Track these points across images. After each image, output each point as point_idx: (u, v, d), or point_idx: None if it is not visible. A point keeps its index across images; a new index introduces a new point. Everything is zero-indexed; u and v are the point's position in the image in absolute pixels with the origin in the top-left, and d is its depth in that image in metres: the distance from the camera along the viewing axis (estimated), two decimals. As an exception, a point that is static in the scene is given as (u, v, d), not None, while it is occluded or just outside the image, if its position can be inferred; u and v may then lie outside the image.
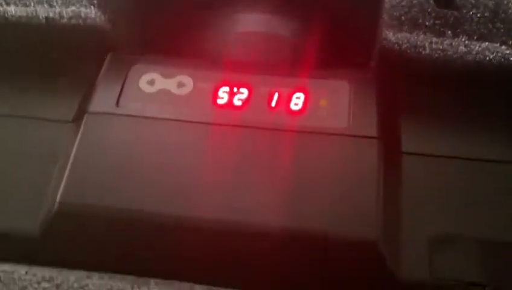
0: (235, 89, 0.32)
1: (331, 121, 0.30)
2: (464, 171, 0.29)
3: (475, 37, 0.31)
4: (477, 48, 0.30)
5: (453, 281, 0.26)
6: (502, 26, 0.31)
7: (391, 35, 0.31)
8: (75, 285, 0.26)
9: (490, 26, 0.31)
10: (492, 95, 0.31)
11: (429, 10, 0.32)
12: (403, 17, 0.32)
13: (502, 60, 0.30)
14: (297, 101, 0.31)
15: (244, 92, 0.31)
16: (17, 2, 0.34)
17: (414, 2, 0.32)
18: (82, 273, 0.27)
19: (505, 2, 0.31)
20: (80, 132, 0.30)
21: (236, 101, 0.31)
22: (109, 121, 0.31)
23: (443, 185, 0.29)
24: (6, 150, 0.31)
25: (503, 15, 0.31)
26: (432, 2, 0.32)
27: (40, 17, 0.34)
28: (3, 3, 0.34)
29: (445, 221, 0.28)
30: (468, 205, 0.28)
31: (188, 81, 0.32)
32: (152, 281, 0.27)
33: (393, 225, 0.28)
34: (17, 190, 0.30)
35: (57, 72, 0.34)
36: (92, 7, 0.34)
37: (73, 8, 0.34)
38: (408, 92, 0.32)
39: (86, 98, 0.32)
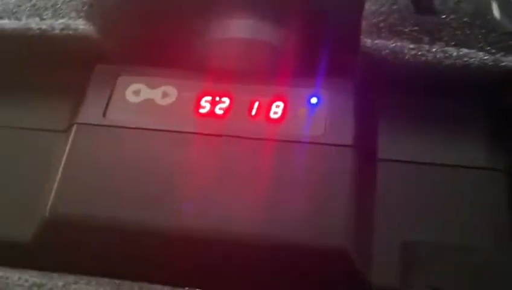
0: (217, 98, 0.33)
1: (308, 130, 0.31)
2: (440, 178, 0.30)
3: (452, 43, 0.31)
4: (454, 54, 0.31)
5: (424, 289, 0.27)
6: (479, 31, 0.31)
7: (369, 42, 0.32)
8: (63, 290, 0.28)
9: (468, 32, 0.31)
10: (470, 100, 0.31)
11: (408, 17, 0.32)
12: (381, 24, 0.32)
13: (480, 65, 0.30)
14: (276, 110, 0.32)
15: (226, 101, 0.32)
16: (10, 16, 0.36)
17: (393, 8, 0.32)
18: (70, 279, 0.29)
19: (484, 7, 0.31)
20: (69, 143, 0.32)
21: (218, 110, 0.32)
22: (96, 131, 0.32)
23: (419, 192, 0.30)
24: None
25: (481, 20, 0.31)
26: (411, 8, 0.32)
27: (32, 30, 0.35)
28: (-2, 18, 0.36)
29: (419, 228, 0.29)
30: (443, 212, 0.29)
31: (172, 91, 0.33)
32: (136, 286, 0.28)
33: (366, 232, 0.28)
34: (11, 198, 0.32)
35: (49, 83, 0.36)
36: (80, 19, 0.35)
37: (62, 20, 0.35)
38: (388, 98, 0.32)
39: (75, 109, 0.34)
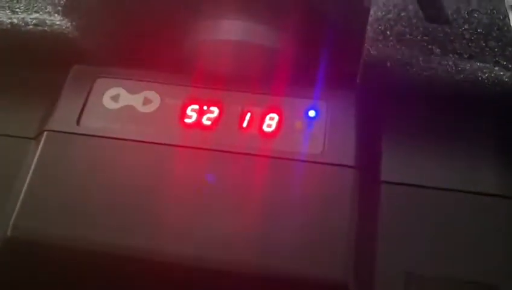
0: (205, 107, 0.29)
1: (305, 146, 0.28)
2: (447, 204, 0.27)
3: (466, 56, 0.28)
4: (468, 67, 0.28)
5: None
6: (495, 44, 0.28)
7: (374, 51, 0.29)
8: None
9: (483, 44, 0.28)
10: (483, 120, 0.29)
11: (417, 25, 0.29)
12: (388, 32, 0.29)
13: (495, 81, 0.28)
14: (270, 122, 0.29)
15: (214, 111, 0.29)
16: None
17: (402, 14, 0.29)
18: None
19: (501, 18, 0.29)
20: (38, 152, 0.28)
21: (205, 121, 0.29)
22: (69, 141, 0.29)
23: (424, 218, 0.27)
24: None
25: (497, 32, 0.28)
26: (420, 16, 0.29)
27: (2, 24, 0.32)
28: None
29: (423, 258, 0.26)
30: (448, 241, 0.26)
31: (155, 98, 0.30)
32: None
33: (366, 262, 0.25)
34: None
35: (19, 84, 0.32)
36: (57, 14, 0.32)
37: (36, 15, 0.32)
38: (392, 113, 0.29)
39: (48, 114, 0.30)
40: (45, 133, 0.29)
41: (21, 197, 0.27)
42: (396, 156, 0.28)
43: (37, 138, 0.30)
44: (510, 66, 0.27)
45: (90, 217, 0.27)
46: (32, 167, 0.28)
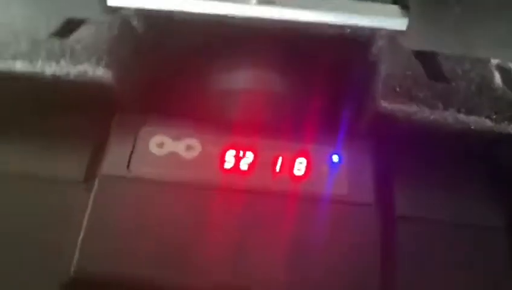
0: (241, 154, 0.33)
1: (331, 188, 0.32)
2: (450, 235, 0.32)
3: (463, 110, 0.33)
4: (464, 120, 0.33)
5: None
6: (486, 100, 0.33)
7: (386, 104, 0.34)
8: None
9: (476, 100, 0.33)
10: (477, 162, 0.34)
11: (422, 81, 0.34)
12: (397, 88, 0.34)
13: (485, 132, 0.33)
14: (300, 166, 0.33)
15: (250, 157, 0.33)
16: (24, 59, 0.35)
17: (407, 73, 0.34)
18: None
19: (489, 76, 0.34)
20: (92, 195, 0.31)
21: (243, 166, 0.33)
22: (121, 184, 0.32)
23: (432, 246, 0.32)
24: (17, 210, 0.32)
25: (487, 89, 0.34)
26: (423, 74, 0.34)
27: (47, 74, 0.34)
28: (10, 59, 0.35)
29: (438, 284, 0.31)
30: (458, 268, 0.31)
31: (196, 145, 0.34)
32: None
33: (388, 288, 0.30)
34: (29, 253, 0.31)
35: (64, 131, 0.35)
36: (100, 67, 0.35)
37: (80, 67, 0.35)
38: (401, 158, 0.34)
39: (97, 159, 0.33)
40: (98, 177, 0.32)
41: (81, 237, 0.30)
42: (407, 194, 0.33)
43: (86, 181, 0.33)
44: (498, 118, 0.33)
45: (143, 255, 0.30)
46: (89, 209, 0.31)
